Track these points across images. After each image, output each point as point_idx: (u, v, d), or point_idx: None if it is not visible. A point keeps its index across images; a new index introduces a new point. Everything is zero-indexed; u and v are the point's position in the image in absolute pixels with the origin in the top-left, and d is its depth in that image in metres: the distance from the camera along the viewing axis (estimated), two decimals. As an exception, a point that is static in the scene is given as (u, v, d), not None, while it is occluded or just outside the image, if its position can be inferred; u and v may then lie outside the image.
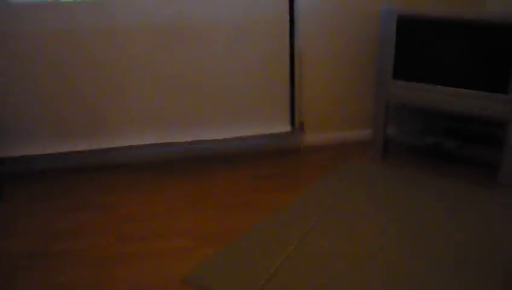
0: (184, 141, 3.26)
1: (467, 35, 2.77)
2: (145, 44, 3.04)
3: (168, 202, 2.79)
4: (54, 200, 2.83)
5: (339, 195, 2.73)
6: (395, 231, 2.35)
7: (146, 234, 2.44)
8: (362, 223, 2.43)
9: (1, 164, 2.93)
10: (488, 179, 2.90)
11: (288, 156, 3.38)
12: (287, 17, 3.12)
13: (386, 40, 3.00)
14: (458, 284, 1.94)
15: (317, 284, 1.97)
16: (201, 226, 2.49)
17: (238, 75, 3.20)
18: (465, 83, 2.83)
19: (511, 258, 2.10)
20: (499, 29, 2.64)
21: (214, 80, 3.19)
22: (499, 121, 2.84)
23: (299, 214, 2.54)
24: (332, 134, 3.50)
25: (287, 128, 3.35)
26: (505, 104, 2.69)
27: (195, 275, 2.07)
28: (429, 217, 2.46)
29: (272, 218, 2.52)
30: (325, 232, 2.35)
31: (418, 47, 2.94)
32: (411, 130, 3.39)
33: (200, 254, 2.23)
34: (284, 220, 2.48)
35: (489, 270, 2.02)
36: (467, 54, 2.80)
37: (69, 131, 3.14)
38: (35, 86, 3.02)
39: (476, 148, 3.15)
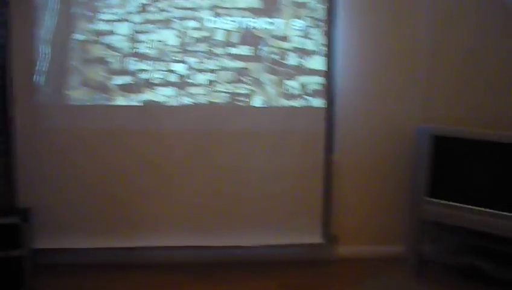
0: (216, 245, 3.28)
1: (503, 157, 2.83)
2: (187, 148, 3.24)
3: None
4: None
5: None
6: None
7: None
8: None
9: (35, 255, 2.98)
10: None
11: (318, 267, 3.32)
12: (324, 130, 3.29)
13: (420, 158, 3.09)
14: None
15: None
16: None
17: (274, 184, 3.30)
18: (500, 204, 2.83)
19: None
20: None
21: (250, 187, 3.30)
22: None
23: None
24: (364, 247, 3.45)
25: (319, 239, 3.34)
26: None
27: None
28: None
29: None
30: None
31: (452, 167, 3.00)
32: (446, 248, 3.30)
33: None
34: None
35: None
36: (502, 176, 2.85)
37: (107, 227, 3.24)
38: (77, 180, 3.20)
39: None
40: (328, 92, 3.27)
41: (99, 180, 3.20)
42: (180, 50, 3.16)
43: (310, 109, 3.28)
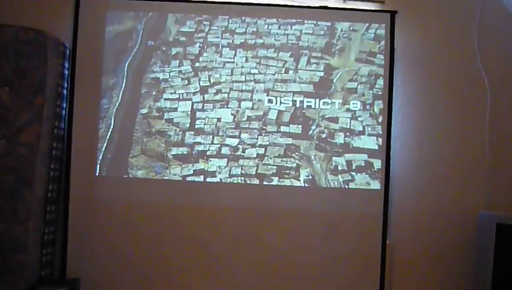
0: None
1: None
2: (236, 226, 3.21)
3: None
4: None
5: None
6: None
7: None
8: None
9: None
10: None
11: None
12: (381, 214, 3.19)
13: (484, 248, 2.93)
14: None
15: None
16: None
17: (327, 267, 3.19)
18: None
19: None
20: None
21: (302, 270, 3.19)
22: None
23: None
24: None
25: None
26: None
27: None
28: None
29: None
30: None
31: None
32: None
33: None
34: None
35: None
36: None
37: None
38: (126, 254, 3.20)
39: None
40: (385, 173, 3.20)
41: (149, 255, 3.18)
42: (234, 126, 3.25)
43: (365, 190, 3.21)
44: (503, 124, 3.27)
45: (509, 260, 2.84)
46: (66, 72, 3.20)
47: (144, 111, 3.25)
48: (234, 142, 3.23)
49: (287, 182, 3.22)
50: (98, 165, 3.22)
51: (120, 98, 3.26)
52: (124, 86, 3.27)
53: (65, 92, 3.20)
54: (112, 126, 3.24)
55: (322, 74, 3.26)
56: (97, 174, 3.22)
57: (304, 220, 3.20)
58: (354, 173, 3.22)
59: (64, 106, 3.20)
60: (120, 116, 3.25)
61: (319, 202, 3.22)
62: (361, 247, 3.19)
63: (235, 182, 3.22)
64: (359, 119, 3.24)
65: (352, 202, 3.21)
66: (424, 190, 3.27)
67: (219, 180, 3.22)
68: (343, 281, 3.17)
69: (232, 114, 3.25)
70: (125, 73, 3.26)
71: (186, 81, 3.27)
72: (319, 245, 3.20)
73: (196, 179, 3.22)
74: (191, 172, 3.23)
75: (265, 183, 3.22)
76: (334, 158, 3.23)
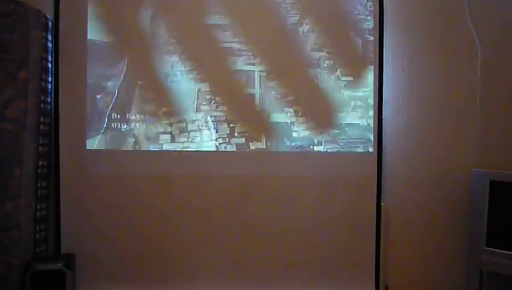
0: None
1: None
2: (232, 194, 3.19)
3: None
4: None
5: None
6: None
7: None
8: None
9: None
10: None
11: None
12: (375, 176, 3.19)
13: (477, 205, 2.95)
14: None
15: None
16: None
17: (321, 233, 3.19)
18: None
19: None
20: None
21: (297, 235, 3.20)
22: None
23: None
24: (420, 300, 3.25)
25: (371, 290, 3.18)
26: None
27: None
28: None
29: None
30: None
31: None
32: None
33: None
34: None
35: None
36: None
37: (146, 275, 3.17)
38: (119, 227, 3.17)
39: None
40: (377, 135, 3.20)
41: (143, 227, 3.16)
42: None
43: (358, 154, 3.21)
44: (494, 82, 3.26)
45: (502, 217, 2.87)
46: (50, 44, 3.11)
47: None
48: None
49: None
50: (87, 139, 3.16)
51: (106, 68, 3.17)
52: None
53: (50, 65, 3.11)
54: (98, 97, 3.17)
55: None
56: (87, 148, 3.16)
57: (297, 185, 3.19)
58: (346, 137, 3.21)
59: (50, 79, 3.12)
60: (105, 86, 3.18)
61: (312, 167, 3.20)
62: (355, 210, 3.19)
63: (228, 150, 3.20)
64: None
65: (345, 166, 3.20)
66: (417, 151, 3.27)
67: (212, 149, 3.20)
68: (339, 244, 3.19)
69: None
70: (111, 44, 3.19)
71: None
72: (314, 210, 3.19)
73: (188, 148, 3.19)
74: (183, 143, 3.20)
75: (256, 148, 3.20)
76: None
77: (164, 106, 3.18)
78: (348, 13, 3.21)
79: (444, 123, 3.28)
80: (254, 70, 3.20)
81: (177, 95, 3.18)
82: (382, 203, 3.20)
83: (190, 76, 3.18)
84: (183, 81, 3.18)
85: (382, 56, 3.19)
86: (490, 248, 2.88)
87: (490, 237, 2.89)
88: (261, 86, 3.20)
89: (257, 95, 3.20)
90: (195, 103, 3.19)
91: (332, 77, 3.20)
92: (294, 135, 3.20)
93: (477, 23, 3.24)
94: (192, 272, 3.17)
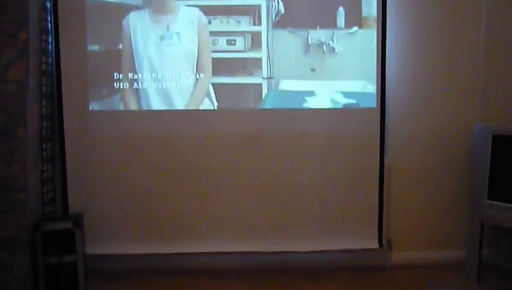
0: (267, 251, 3.22)
1: None
2: (236, 151, 3.21)
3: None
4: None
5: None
6: None
7: None
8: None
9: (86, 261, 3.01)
10: None
11: (374, 273, 3.21)
12: (378, 132, 3.20)
13: (479, 159, 2.96)
14: None
15: None
16: None
17: (326, 188, 3.23)
18: None
19: None
20: None
21: (302, 191, 3.23)
22: None
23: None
24: (421, 253, 3.32)
25: (374, 244, 3.24)
26: None
27: None
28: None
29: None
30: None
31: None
32: (507, 252, 3.14)
33: None
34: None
35: None
36: None
37: (157, 232, 3.23)
38: (126, 186, 3.21)
39: None
40: (381, 92, 3.19)
41: (148, 186, 3.20)
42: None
43: (362, 110, 3.21)
44: (498, 37, 3.23)
45: (504, 171, 2.89)
46: (48, 4, 3.06)
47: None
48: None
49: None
50: (90, 100, 3.16)
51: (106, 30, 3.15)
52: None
53: (49, 26, 3.07)
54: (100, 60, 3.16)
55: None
56: (90, 109, 3.16)
57: (303, 142, 3.20)
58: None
59: (50, 40, 3.08)
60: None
61: (316, 123, 3.21)
62: (359, 167, 3.22)
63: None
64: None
65: (348, 122, 3.21)
66: (420, 108, 3.27)
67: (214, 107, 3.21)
68: (343, 200, 3.23)
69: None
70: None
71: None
72: (317, 166, 3.22)
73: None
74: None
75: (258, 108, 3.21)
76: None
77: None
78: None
79: (448, 79, 3.26)
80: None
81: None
82: (386, 160, 3.22)
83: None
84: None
85: (386, 11, 3.14)
86: (491, 201, 2.92)
87: (492, 190, 2.92)
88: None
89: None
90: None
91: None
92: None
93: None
94: (197, 230, 3.23)
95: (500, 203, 2.89)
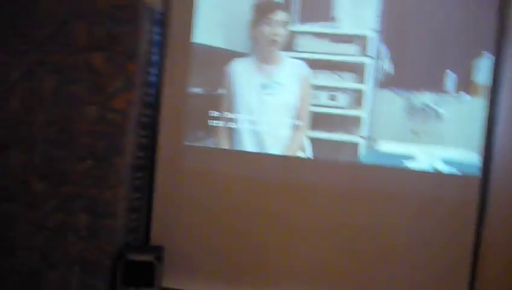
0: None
1: None
2: (326, 204, 3.12)
3: None
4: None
5: None
6: None
7: None
8: None
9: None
10: None
11: None
12: (476, 200, 3.01)
13: None
14: None
15: None
16: None
17: (412, 253, 3.06)
18: None
19: None
20: None
21: (387, 251, 3.08)
22: None
23: None
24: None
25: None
26: None
27: None
28: None
29: None
30: None
31: None
32: None
33: None
34: None
35: None
36: None
37: (235, 274, 3.18)
38: (209, 224, 3.19)
39: None
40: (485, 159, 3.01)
41: (232, 227, 3.17)
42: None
43: (462, 177, 3.03)
44: None
45: None
46: (157, 38, 3.15)
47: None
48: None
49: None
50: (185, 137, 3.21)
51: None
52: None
53: (155, 58, 3.16)
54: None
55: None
56: (185, 143, 3.20)
57: (395, 202, 3.07)
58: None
59: (154, 72, 3.16)
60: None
61: (414, 183, 3.07)
62: (453, 234, 3.03)
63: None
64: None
65: (448, 188, 3.04)
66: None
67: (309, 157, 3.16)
68: (432, 266, 3.04)
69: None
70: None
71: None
72: (409, 229, 3.07)
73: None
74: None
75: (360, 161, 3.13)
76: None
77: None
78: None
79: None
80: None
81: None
82: (482, 232, 3.01)
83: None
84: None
85: (499, 79, 2.98)
86: None
87: None
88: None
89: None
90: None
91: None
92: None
93: None
94: (277, 276, 3.15)
95: None
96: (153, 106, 3.17)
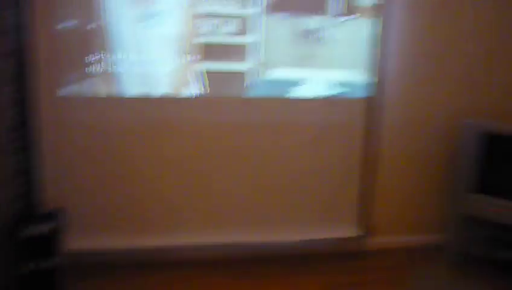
0: (253, 241, 3.17)
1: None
2: (223, 141, 3.06)
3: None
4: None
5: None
6: None
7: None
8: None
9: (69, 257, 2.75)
10: None
11: (355, 260, 3.26)
12: (364, 121, 3.18)
13: (465, 153, 3.04)
14: None
15: None
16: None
17: (310, 176, 3.20)
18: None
19: None
20: None
21: (286, 180, 3.18)
22: None
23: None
24: (403, 237, 3.42)
25: (354, 231, 3.29)
26: None
27: None
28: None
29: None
30: None
31: (499, 163, 2.98)
32: (480, 239, 3.31)
33: None
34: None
35: None
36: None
37: (138, 226, 3.05)
38: (102, 177, 2.96)
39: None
40: (371, 81, 3.13)
41: (130, 177, 2.98)
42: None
43: (350, 100, 3.15)
44: (495, 30, 3.23)
45: (487, 163, 2.99)
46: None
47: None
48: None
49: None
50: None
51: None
52: None
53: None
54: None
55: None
56: (62, 94, 2.82)
57: (289, 131, 3.11)
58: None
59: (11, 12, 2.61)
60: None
61: (308, 114, 3.13)
62: (345, 154, 3.21)
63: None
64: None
65: (337, 112, 3.15)
66: (410, 98, 3.24)
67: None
68: (328, 187, 3.23)
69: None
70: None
71: None
72: (303, 156, 3.16)
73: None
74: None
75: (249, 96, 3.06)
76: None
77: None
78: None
79: (440, 72, 3.24)
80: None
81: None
82: (372, 149, 3.22)
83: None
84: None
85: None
86: (473, 193, 3.04)
87: (475, 184, 3.03)
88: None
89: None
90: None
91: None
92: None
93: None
94: (182, 221, 3.09)
95: (482, 196, 3.01)
96: (17, 54, 2.66)
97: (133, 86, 2.90)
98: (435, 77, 3.23)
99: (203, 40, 2.94)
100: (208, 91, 2.99)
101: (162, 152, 2.99)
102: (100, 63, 2.83)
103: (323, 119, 3.14)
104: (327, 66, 3.12)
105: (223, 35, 2.97)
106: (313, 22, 3.04)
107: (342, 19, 3.05)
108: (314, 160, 3.17)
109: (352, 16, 3.06)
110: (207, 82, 2.98)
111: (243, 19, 2.96)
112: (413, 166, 3.34)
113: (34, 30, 2.67)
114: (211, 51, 2.97)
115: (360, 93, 3.14)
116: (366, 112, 3.17)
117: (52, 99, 2.79)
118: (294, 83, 3.10)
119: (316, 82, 3.11)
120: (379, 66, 3.11)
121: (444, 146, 3.32)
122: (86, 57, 2.81)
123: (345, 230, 3.28)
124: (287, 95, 3.10)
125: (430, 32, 3.17)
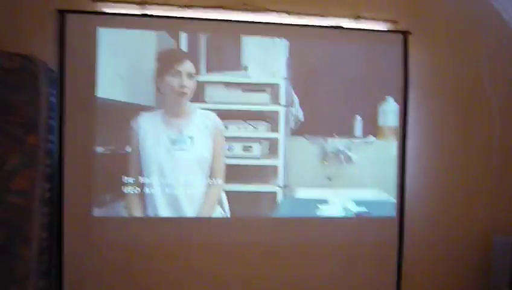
0: None
1: None
2: (249, 262, 3.02)
3: None
4: None
5: None
6: None
7: None
8: None
9: None
10: None
11: None
12: (395, 242, 3.15)
13: (499, 270, 2.99)
14: None
15: None
16: None
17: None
18: None
19: None
20: None
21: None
22: None
23: None
24: None
25: None
26: None
27: None
28: None
29: None
30: None
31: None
32: None
33: None
34: None
35: None
36: None
37: None
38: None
39: None
40: (400, 201, 3.16)
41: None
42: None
43: (379, 219, 3.15)
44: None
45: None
46: (54, 100, 2.75)
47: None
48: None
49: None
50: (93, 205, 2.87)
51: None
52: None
53: (53, 123, 2.76)
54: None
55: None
56: (94, 215, 2.86)
57: (320, 253, 3.09)
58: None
59: (53, 139, 2.76)
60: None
61: (337, 234, 3.12)
62: (377, 273, 3.14)
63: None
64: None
65: (365, 231, 3.13)
66: (437, 215, 3.23)
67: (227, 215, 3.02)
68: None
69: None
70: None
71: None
72: (334, 276, 3.10)
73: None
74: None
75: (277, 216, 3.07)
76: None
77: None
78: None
79: (465, 188, 3.27)
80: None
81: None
82: (403, 268, 3.17)
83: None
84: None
85: (406, 121, 3.15)
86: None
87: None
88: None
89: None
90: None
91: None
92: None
93: (496, 90, 3.25)
94: None
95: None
96: (54, 178, 2.77)
97: (163, 209, 2.94)
98: (459, 193, 3.26)
99: (230, 162, 3.02)
100: (235, 212, 3.01)
101: (190, 273, 2.96)
102: (133, 185, 2.90)
103: (352, 239, 3.12)
104: (352, 185, 3.15)
105: (250, 159, 3.05)
106: (337, 142, 3.12)
107: (366, 139, 3.13)
108: (346, 279, 3.11)
109: (374, 137, 3.14)
110: (234, 203, 3.02)
111: (271, 141, 3.05)
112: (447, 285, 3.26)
113: (71, 154, 2.79)
114: (238, 173, 3.03)
115: (386, 213, 3.15)
116: (395, 231, 3.15)
117: (84, 220, 2.84)
118: (319, 202, 3.11)
119: (340, 201, 3.13)
120: (404, 185, 3.15)
121: (476, 261, 3.26)
122: (121, 179, 2.89)
123: None
124: (313, 215, 3.11)
125: (448, 157, 3.25)
